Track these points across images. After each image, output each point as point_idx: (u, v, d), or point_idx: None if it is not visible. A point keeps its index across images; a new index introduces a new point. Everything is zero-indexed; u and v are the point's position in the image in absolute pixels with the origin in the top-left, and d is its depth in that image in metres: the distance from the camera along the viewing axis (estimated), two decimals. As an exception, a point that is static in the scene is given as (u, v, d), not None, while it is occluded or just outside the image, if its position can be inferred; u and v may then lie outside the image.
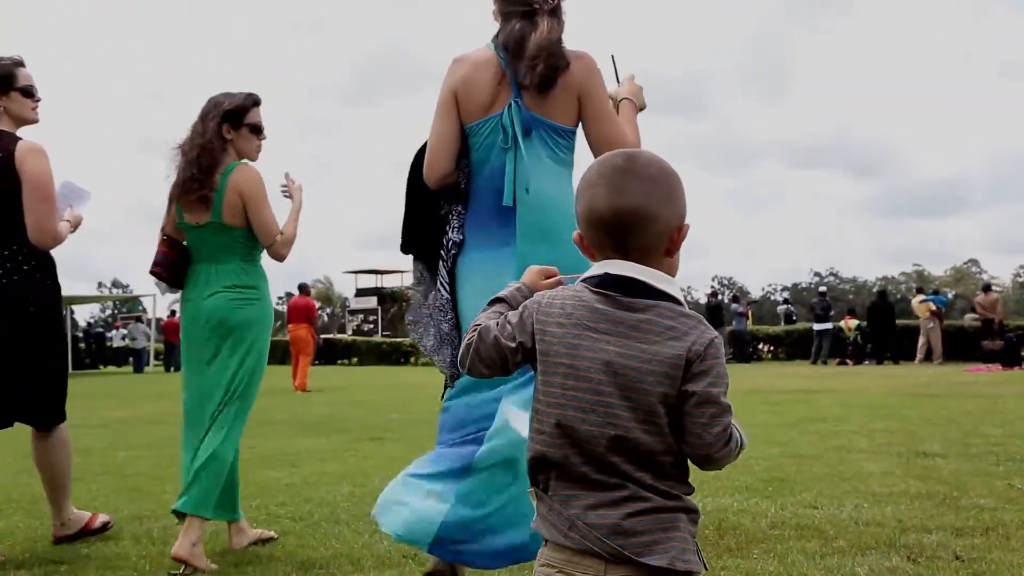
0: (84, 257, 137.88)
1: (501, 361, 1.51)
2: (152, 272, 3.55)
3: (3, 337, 3.37)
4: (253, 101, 3.50)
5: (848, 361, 20.86)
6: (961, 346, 20.75)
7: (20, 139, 3.44)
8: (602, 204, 1.42)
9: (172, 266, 3.51)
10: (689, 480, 1.43)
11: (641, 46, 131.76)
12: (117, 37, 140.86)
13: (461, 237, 2.59)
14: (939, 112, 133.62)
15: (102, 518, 3.70)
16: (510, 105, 2.47)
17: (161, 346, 29.80)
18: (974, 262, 74.87)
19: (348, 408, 10.47)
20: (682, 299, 1.43)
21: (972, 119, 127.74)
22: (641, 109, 2.74)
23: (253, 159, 3.52)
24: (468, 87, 2.53)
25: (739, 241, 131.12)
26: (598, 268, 1.45)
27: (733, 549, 3.28)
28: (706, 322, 1.41)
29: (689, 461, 1.44)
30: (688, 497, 1.41)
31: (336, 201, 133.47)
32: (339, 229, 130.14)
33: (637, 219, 1.40)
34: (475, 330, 1.54)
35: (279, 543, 3.52)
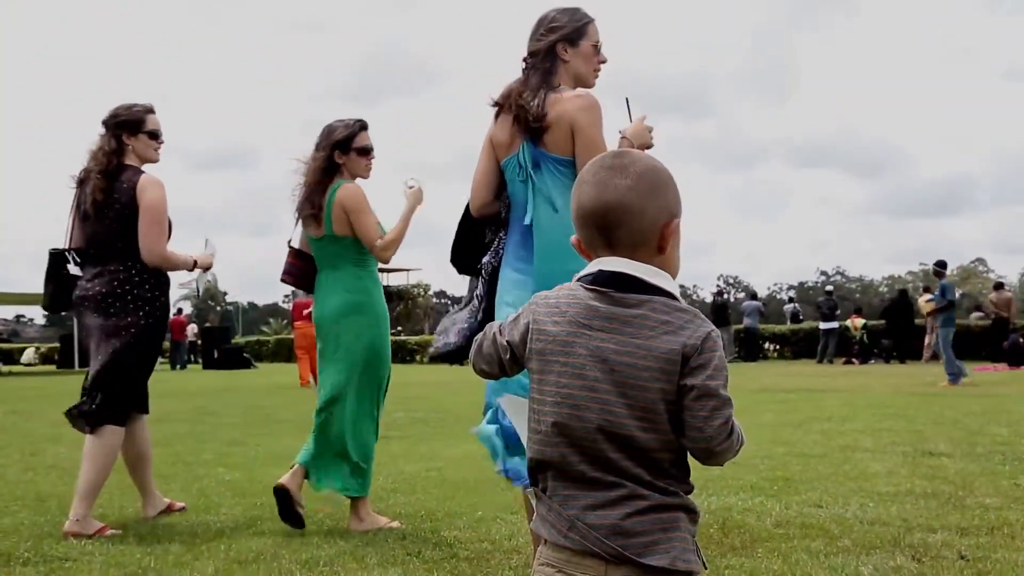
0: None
1: (498, 359, 1.53)
2: (282, 280, 4.16)
3: (99, 336, 3.86)
4: (360, 127, 3.95)
5: (854, 360, 20.83)
6: (967, 345, 20.70)
7: (143, 173, 3.93)
8: (588, 200, 1.43)
9: (299, 273, 4.08)
10: (689, 479, 1.42)
11: (645, 46, 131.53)
12: (117, 37, 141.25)
13: (491, 260, 3.04)
14: (944, 112, 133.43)
15: (111, 531, 3.78)
16: (523, 145, 2.86)
17: (167, 344, 29.87)
18: (981, 261, 74.55)
19: (353, 406, 10.47)
20: (678, 294, 1.43)
21: (978, 119, 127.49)
22: (648, 147, 2.96)
23: (365, 177, 3.97)
24: (498, 133, 2.96)
25: (744, 241, 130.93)
26: (592, 266, 1.45)
27: (737, 548, 3.28)
28: (702, 316, 1.40)
29: (690, 459, 1.43)
30: (688, 496, 1.41)
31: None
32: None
33: (622, 212, 1.40)
34: (486, 328, 1.58)
35: (283, 541, 3.53)
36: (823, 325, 21.71)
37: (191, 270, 4.16)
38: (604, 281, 1.41)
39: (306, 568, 3.12)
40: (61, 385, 17.36)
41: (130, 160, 3.92)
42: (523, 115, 2.81)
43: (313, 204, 3.84)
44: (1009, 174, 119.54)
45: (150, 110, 3.99)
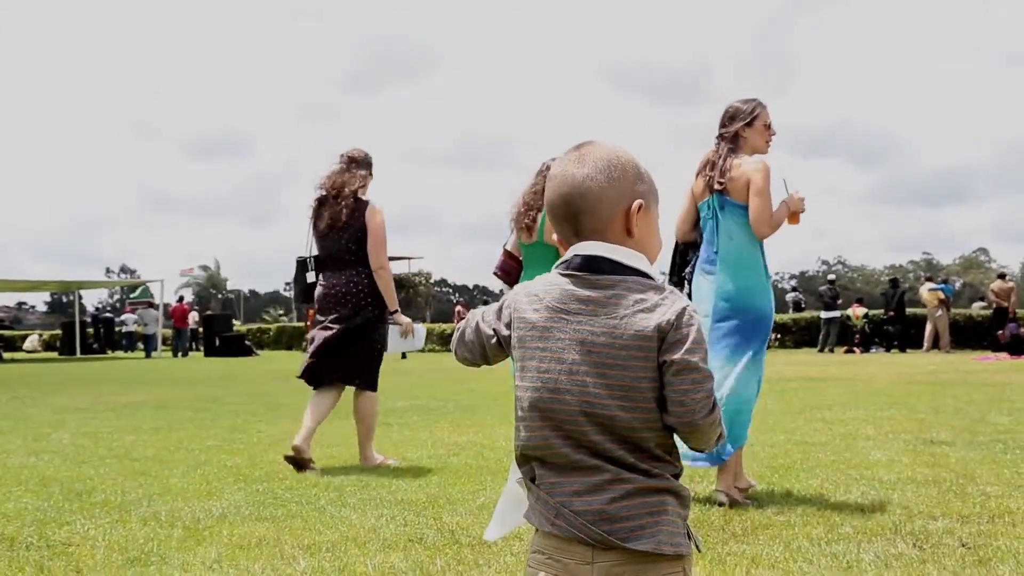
0: (92, 243, 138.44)
1: (480, 347, 1.55)
2: (494, 274, 4.93)
3: (350, 329, 5.03)
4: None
5: (855, 349, 20.83)
6: (969, 335, 20.72)
7: (369, 202, 5.10)
8: (552, 193, 1.47)
9: (510, 271, 4.82)
10: (677, 462, 1.42)
11: (645, 33, 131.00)
12: (117, 25, 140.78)
13: (690, 271, 4.26)
14: (946, 101, 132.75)
15: (392, 461, 5.11)
16: (713, 195, 4.09)
17: (169, 331, 29.87)
18: (983, 251, 74.50)
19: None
20: (653, 273, 1.44)
21: (979, 108, 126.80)
22: (800, 212, 4.13)
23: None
24: (697, 185, 4.19)
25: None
26: (568, 252, 1.47)
27: (739, 535, 3.28)
28: (678, 292, 1.41)
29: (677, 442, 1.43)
30: (675, 478, 1.41)
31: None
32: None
33: (582, 200, 1.43)
34: (468, 317, 1.58)
35: (286, 526, 3.54)
36: (824, 314, 21.70)
37: (392, 314, 5.17)
38: (578, 265, 1.43)
39: (308, 553, 3.12)
40: (63, 372, 17.37)
41: (361, 193, 5.13)
42: (710, 179, 4.07)
43: (528, 217, 4.61)
44: (1011, 163, 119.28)
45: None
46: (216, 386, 12.14)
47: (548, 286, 1.44)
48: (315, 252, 5.20)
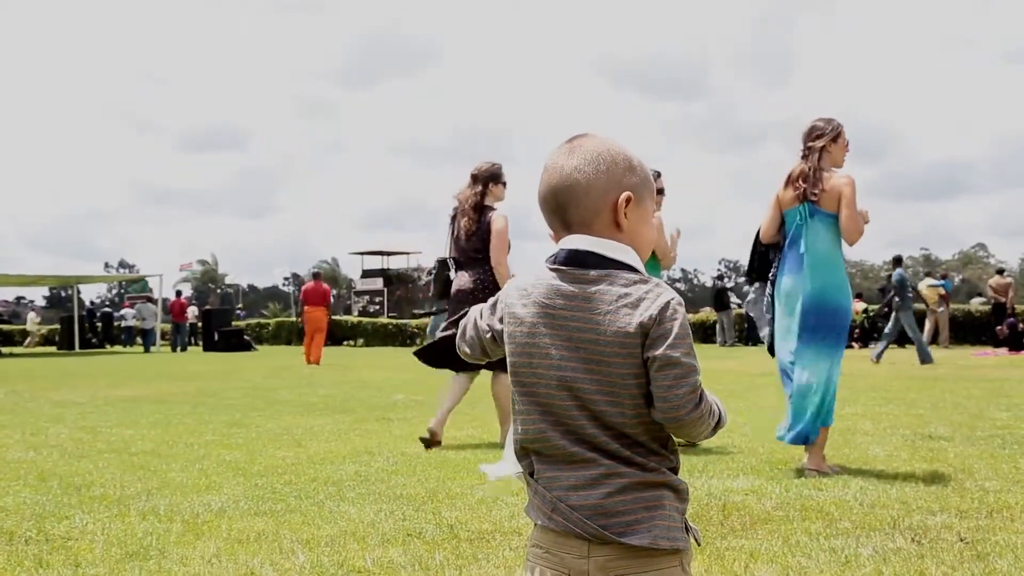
0: (91, 238, 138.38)
1: (478, 343, 1.56)
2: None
3: None
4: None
5: (854, 344, 20.84)
6: (968, 330, 20.75)
7: (494, 209, 5.85)
8: (543, 185, 1.46)
9: None
10: (674, 456, 1.42)
11: (643, 27, 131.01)
12: (117, 18, 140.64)
13: (775, 271, 4.73)
14: (944, 96, 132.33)
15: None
16: (804, 204, 4.53)
17: (168, 326, 29.85)
18: (981, 246, 74.45)
19: (353, 389, 10.50)
20: (640, 267, 1.42)
21: (978, 103, 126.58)
22: (866, 223, 4.58)
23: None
24: (785, 194, 4.61)
25: (744, 224, 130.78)
26: (557, 246, 1.46)
27: (738, 530, 3.29)
28: (664, 285, 1.40)
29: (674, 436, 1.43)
30: (672, 472, 1.40)
31: (338, 182, 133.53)
32: (342, 210, 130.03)
33: (569, 192, 1.42)
34: (470, 312, 1.59)
35: (285, 520, 3.54)
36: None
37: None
38: (564, 260, 1.42)
39: (307, 547, 3.12)
40: (62, 366, 17.37)
41: (488, 200, 5.81)
42: (805, 189, 4.51)
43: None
44: (1009, 158, 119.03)
45: (501, 167, 5.97)
46: (215, 381, 12.14)
47: (536, 281, 1.44)
48: (454, 254, 6.02)
